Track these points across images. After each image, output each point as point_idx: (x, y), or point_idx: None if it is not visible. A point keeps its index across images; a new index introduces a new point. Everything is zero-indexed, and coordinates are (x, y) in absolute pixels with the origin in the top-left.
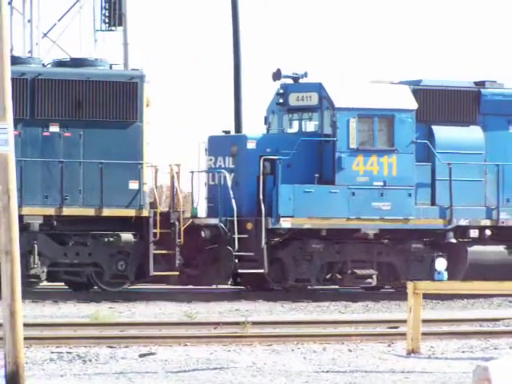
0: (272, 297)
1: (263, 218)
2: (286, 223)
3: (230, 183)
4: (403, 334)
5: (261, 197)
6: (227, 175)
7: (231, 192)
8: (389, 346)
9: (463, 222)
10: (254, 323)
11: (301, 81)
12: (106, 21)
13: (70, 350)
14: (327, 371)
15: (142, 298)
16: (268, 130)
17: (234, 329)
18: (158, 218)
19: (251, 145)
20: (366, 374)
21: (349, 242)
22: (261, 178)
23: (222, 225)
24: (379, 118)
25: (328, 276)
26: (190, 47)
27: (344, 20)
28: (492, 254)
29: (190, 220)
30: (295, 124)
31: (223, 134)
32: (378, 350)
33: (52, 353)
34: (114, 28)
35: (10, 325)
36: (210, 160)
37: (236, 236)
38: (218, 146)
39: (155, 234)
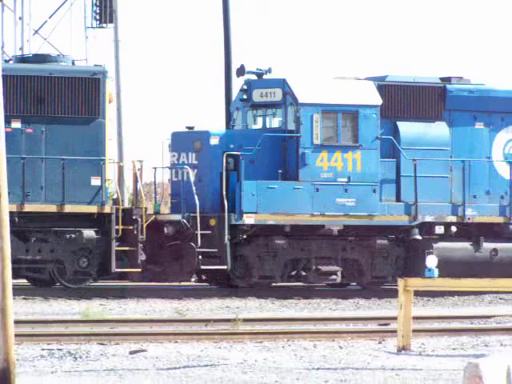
0: (263, 294)
1: (226, 214)
2: (249, 219)
3: (193, 179)
4: (394, 331)
5: (224, 193)
6: (190, 171)
7: (194, 188)
8: (379, 342)
9: (428, 219)
10: (245, 320)
11: (265, 77)
12: (97, 18)
13: (61, 346)
14: (318, 368)
15: (133, 295)
16: (233, 126)
17: (225, 326)
18: (120, 214)
19: (214, 141)
20: (356, 370)
21: (313, 239)
22: (224, 173)
23: (185, 221)
24: (343, 113)
25: (293, 273)
26: (181, 44)
27: (320, 19)
28: (458, 251)
29: (153, 216)
30: (259, 120)
31: (186, 130)
32: (368, 347)
33: (43, 349)
34: (104, 25)
35: (0, 322)
36: (174, 156)
37: (199, 232)
38: (181, 142)
39: (117, 230)
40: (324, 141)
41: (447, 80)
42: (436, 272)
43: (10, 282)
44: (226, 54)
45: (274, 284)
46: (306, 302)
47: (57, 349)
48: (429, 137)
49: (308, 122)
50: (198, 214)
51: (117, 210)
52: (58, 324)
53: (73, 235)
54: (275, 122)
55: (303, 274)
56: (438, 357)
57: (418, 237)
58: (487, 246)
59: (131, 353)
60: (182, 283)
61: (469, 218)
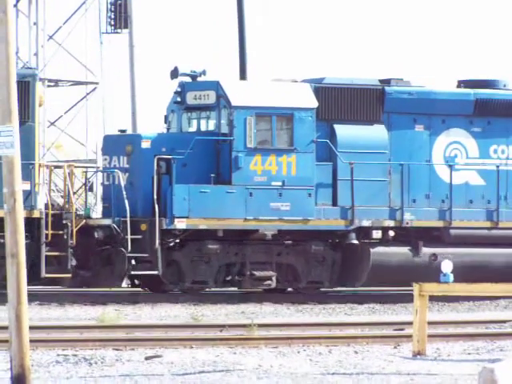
0: (278, 299)
1: (157, 219)
2: (180, 224)
3: (123, 183)
4: (409, 336)
5: (155, 197)
6: (120, 175)
7: (124, 192)
8: (395, 347)
9: (365, 223)
10: (260, 325)
11: (199, 79)
12: (112, 23)
13: (76, 352)
14: (333, 373)
15: (148, 300)
16: (168, 129)
17: (240, 331)
18: (50, 219)
19: (146, 144)
20: (371, 375)
21: (247, 243)
22: (155, 177)
23: (115, 225)
24: (278, 116)
25: (229, 278)
26: (195, 49)
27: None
28: (396, 256)
29: (83, 221)
30: (194, 123)
31: (119, 133)
32: (384, 352)
33: (58, 355)
34: (119, 30)
35: (15, 327)
36: (105, 159)
37: (129, 237)
38: (113, 145)
39: (47, 235)
40: (258, 144)
41: (386, 82)
42: (451, 277)
43: (25, 287)
44: (240, 59)
45: (207, 289)
46: (321, 307)
47: (72, 354)
48: (367, 140)
49: (241, 125)
50: (128, 219)
51: (46, 214)
52: (73, 330)
53: (1, 240)
54: (211, 125)
55: (238, 279)
56: (453, 362)
57: (355, 241)
58: (426, 250)
59: (146, 358)
60: (200, 289)
61: (407, 223)
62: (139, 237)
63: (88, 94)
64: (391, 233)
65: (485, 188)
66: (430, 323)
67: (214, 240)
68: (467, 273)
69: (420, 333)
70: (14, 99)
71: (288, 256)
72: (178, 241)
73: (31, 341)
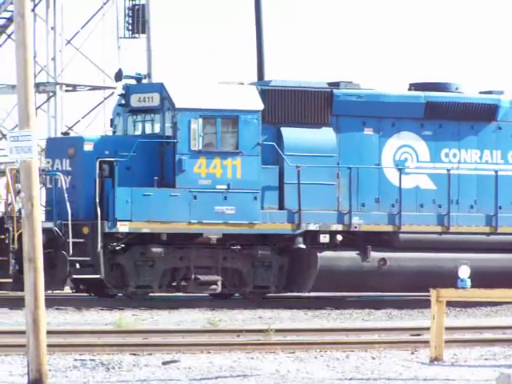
0: (295, 304)
1: (99, 222)
2: (123, 227)
3: (66, 186)
4: (426, 342)
5: (97, 200)
6: (62, 178)
7: (66, 195)
8: (412, 353)
9: (313, 227)
10: (277, 331)
11: (144, 81)
12: (130, 28)
13: (94, 357)
14: (350, 379)
15: (165, 305)
16: (114, 132)
17: (257, 336)
18: None
19: (88, 147)
20: (389, 381)
21: (192, 247)
22: (97, 180)
23: (57, 229)
24: (223, 119)
25: (174, 283)
26: (213, 53)
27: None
28: (344, 260)
29: None
30: (139, 126)
31: (62, 135)
32: (401, 358)
33: (75, 360)
34: (137, 35)
35: (33, 332)
36: (48, 162)
37: (71, 240)
38: (55, 148)
39: None
40: (202, 147)
41: (335, 85)
42: (468, 282)
43: (42, 292)
44: (258, 64)
45: (151, 294)
46: (339, 312)
47: (89, 359)
48: (314, 143)
49: (185, 128)
50: (69, 222)
51: None
52: (90, 334)
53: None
54: (156, 128)
55: (183, 284)
56: (471, 367)
57: (302, 246)
58: (375, 255)
59: (164, 363)
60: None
61: (355, 227)
62: (81, 240)
63: (106, 98)
64: (339, 237)
65: (436, 192)
66: (447, 329)
67: (159, 244)
68: (418, 278)
69: (437, 338)
70: (31, 104)
71: (234, 260)
72: (122, 245)
73: (48, 345)
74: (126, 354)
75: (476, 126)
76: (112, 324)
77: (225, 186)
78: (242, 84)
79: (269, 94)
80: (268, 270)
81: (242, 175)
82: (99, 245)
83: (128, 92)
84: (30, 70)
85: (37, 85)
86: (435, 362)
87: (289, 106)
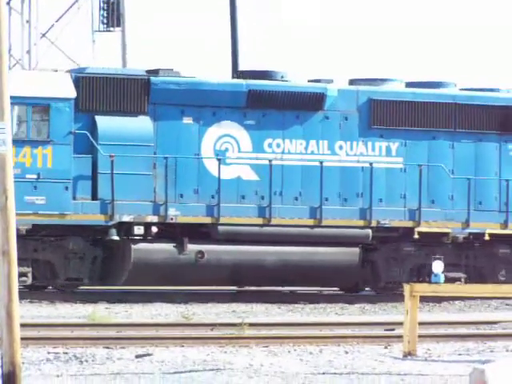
0: (269, 298)
1: None
2: None
3: None
4: (400, 337)
5: None
6: None
7: None
8: (385, 348)
9: (126, 218)
10: (251, 325)
11: None
12: (105, 21)
13: (67, 350)
14: (324, 373)
15: (139, 298)
16: None
17: (231, 330)
18: None
19: None
20: (362, 376)
21: None
22: None
23: None
24: (34, 107)
25: None
26: (188, 47)
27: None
28: (159, 253)
29: None
30: None
31: None
32: (374, 352)
33: (49, 353)
34: (112, 29)
35: (7, 325)
36: None
37: None
38: None
39: None
40: (12, 135)
41: (154, 72)
42: (442, 277)
43: (16, 285)
44: (233, 58)
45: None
46: (312, 306)
47: (63, 352)
48: (130, 132)
49: None
50: None
51: None
52: (63, 328)
53: None
54: None
55: None
56: (444, 362)
57: (115, 237)
58: (192, 247)
59: (137, 357)
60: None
61: (171, 218)
62: None
63: None
64: (154, 229)
65: (258, 183)
66: (420, 324)
67: None
68: (237, 271)
69: (411, 333)
70: (6, 97)
71: (45, 252)
72: None
73: (22, 338)
74: (100, 348)
75: (302, 116)
76: (85, 317)
77: (35, 176)
78: (56, 71)
79: (83, 81)
80: (81, 262)
81: (52, 164)
82: None
83: None
84: (5, 63)
85: None
86: (409, 357)
87: (104, 93)
